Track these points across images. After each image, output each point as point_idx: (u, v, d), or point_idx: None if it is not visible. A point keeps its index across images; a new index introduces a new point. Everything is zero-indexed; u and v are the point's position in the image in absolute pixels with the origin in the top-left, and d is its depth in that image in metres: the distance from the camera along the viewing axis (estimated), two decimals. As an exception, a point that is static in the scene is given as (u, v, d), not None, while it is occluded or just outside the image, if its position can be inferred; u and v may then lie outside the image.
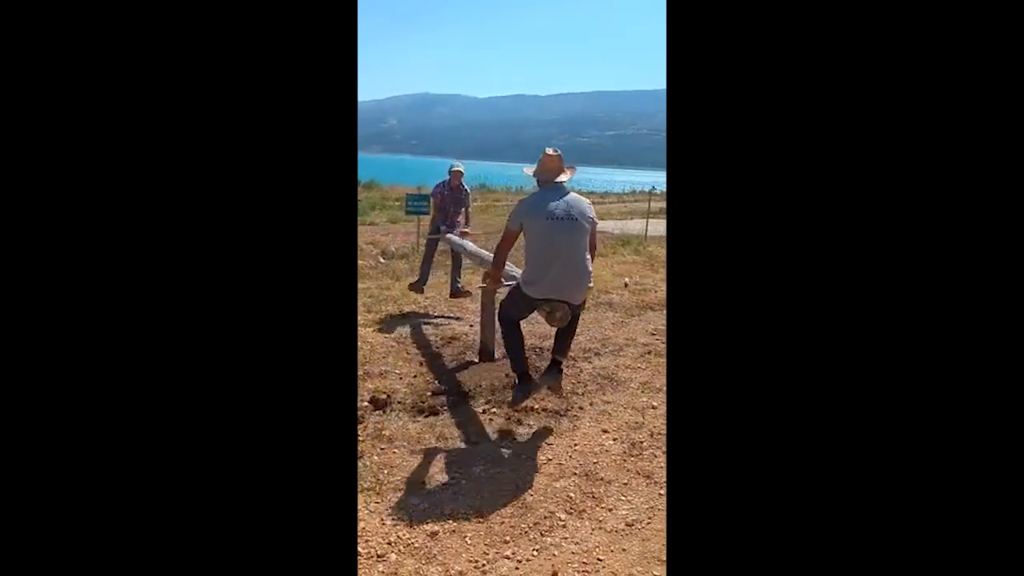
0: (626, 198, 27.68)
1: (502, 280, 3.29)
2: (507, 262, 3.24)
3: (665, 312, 3.47)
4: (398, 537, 2.05)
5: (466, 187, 5.54)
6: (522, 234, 2.88)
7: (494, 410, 3.15)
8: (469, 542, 2.05)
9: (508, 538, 2.07)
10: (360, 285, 6.19)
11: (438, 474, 2.49)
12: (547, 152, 2.99)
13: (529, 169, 3.02)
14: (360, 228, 10.99)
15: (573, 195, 2.90)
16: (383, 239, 9.55)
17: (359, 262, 7.09)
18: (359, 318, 4.88)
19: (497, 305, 3.22)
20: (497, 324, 3.17)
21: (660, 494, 2.40)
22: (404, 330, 4.61)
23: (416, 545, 2.02)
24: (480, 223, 14.25)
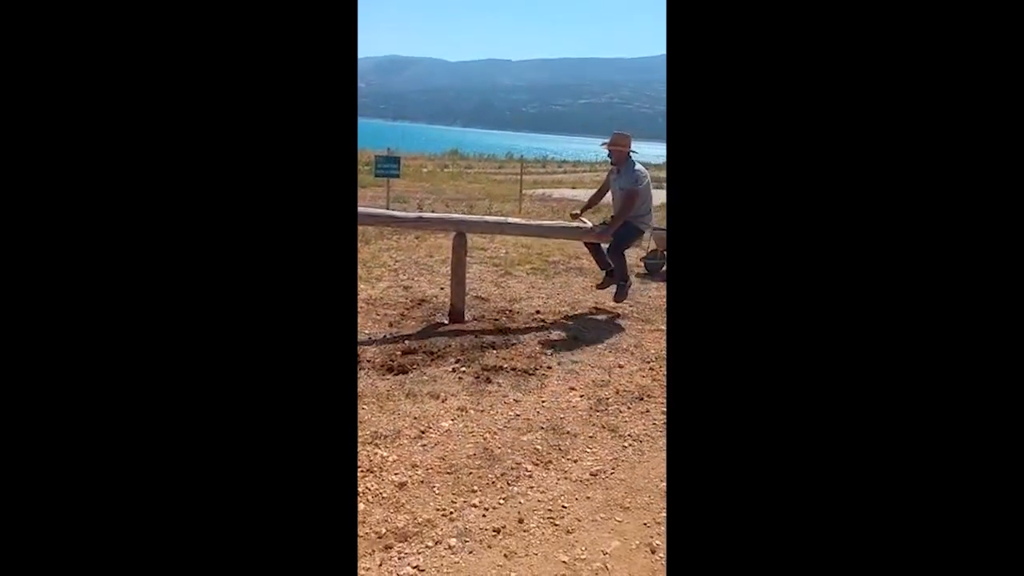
0: (598, 167, 27.72)
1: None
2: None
3: (634, 277, 3.50)
4: (366, 488, 2.08)
5: None
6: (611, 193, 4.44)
7: (463, 369, 3.18)
8: (437, 492, 2.08)
9: (475, 488, 2.12)
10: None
11: (407, 429, 2.52)
12: (626, 134, 4.32)
13: (611, 146, 4.30)
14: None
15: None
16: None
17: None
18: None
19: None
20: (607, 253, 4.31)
21: (624, 447, 2.47)
22: (374, 292, 4.58)
23: (384, 495, 2.05)
24: (453, 189, 14.12)
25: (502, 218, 4.66)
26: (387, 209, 7.15)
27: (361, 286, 4.72)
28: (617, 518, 1.99)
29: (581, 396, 2.94)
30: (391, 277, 5.07)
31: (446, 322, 3.96)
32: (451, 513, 1.97)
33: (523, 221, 4.72)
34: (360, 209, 4.17)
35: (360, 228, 6.82)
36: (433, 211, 7.57)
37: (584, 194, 14.06)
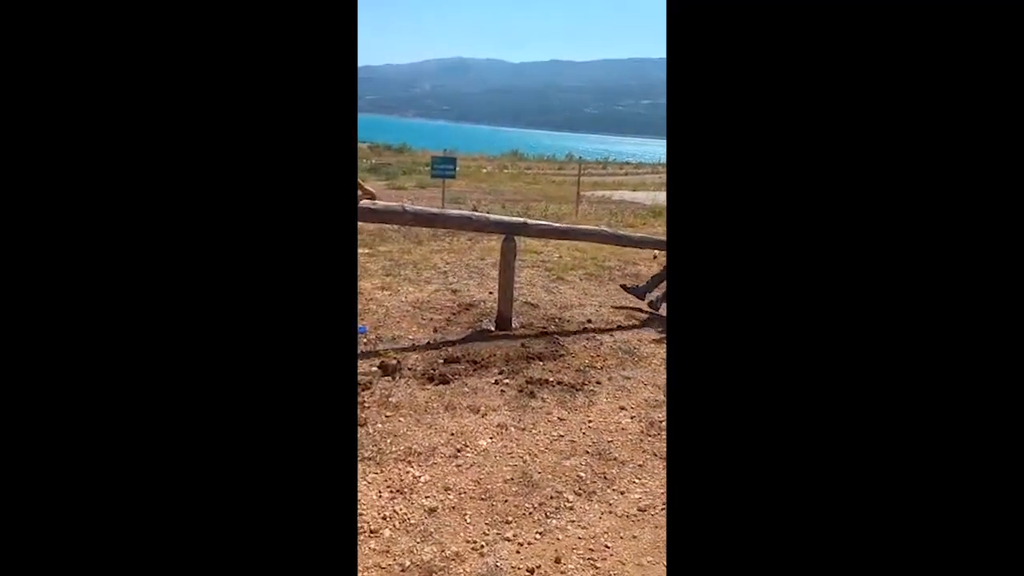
0: (660, 169, 27.08)
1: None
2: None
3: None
4: (394, 511, 1.94)
5: None
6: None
7: (507, 381, 3.02)
8: (468, 521, 1.92)
9: (510, 518, 1.95)
10: (381, 248, 6.09)
11: (443, 446, 2.37)
12: None
13: None
14: (389, 192, 10.88)
15: None
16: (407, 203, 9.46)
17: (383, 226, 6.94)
18: (376, 281, 4.78)
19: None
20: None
21: (677, 478, 2.24)
22: (422, 295, 4.49)
23: (412, 521, 1.90)
24: (512, 190, 14.01)
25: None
26: (442, 209, 7.06)
27: (409, 288, 4.64)
28: (666, 564, 1.77)
29: (632, 417, 2.72)
30: (440, 280, 4.97)
31: (492, 329, 3.81)
32: (482, 547, 1.80)
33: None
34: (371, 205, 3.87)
35: (414, 229, 6.78)
36: (488, 212, 7.44)
37: (645, 196, 13.67)
